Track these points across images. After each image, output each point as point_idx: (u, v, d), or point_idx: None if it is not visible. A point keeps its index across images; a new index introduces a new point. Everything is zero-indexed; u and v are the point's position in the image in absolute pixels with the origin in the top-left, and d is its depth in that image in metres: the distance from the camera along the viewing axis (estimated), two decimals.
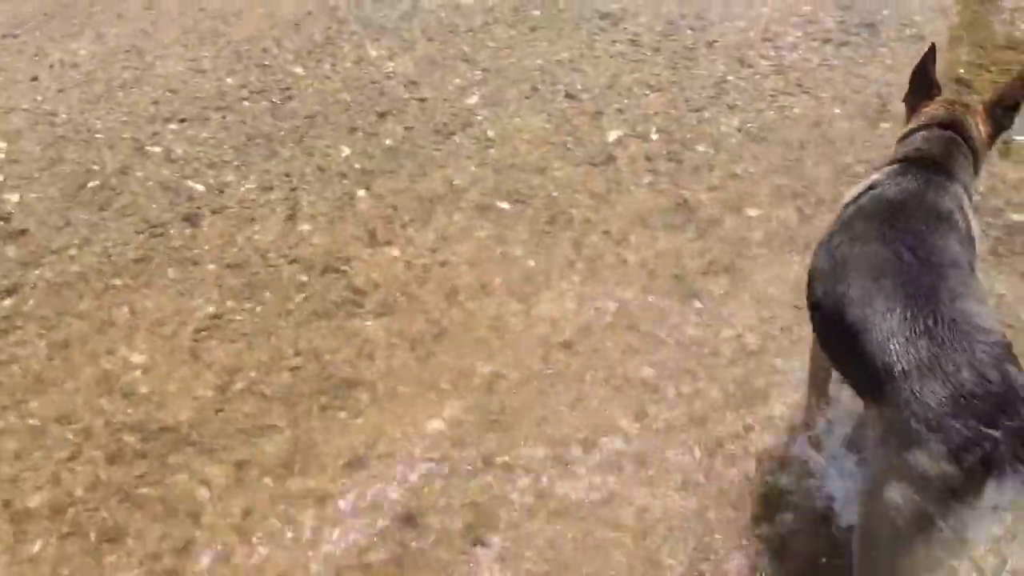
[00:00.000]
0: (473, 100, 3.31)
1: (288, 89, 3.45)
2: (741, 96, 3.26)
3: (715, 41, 3.55)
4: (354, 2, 3.96)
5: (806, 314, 1.80)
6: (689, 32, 3.61)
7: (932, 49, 2.03)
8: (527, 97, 3.31)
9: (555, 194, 2.87)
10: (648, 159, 2.98)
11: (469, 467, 2.08)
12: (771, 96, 3.25)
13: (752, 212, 2.75)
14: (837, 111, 3.16)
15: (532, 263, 2.63)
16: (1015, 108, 1.98)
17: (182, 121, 3.32)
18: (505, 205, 2.84)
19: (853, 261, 1.75)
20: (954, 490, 1.39)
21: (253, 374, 2.34)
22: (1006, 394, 1.40)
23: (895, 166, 1.93)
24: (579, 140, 3.08)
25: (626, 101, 3.25)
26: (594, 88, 3.32)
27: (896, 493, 1.46)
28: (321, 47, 3.69)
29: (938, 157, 1.93)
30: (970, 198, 1.93)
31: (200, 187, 2.99)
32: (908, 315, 1.55)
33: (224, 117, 3.33)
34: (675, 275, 2.56)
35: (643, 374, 2.28)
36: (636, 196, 2.84)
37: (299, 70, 3.57)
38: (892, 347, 1.51)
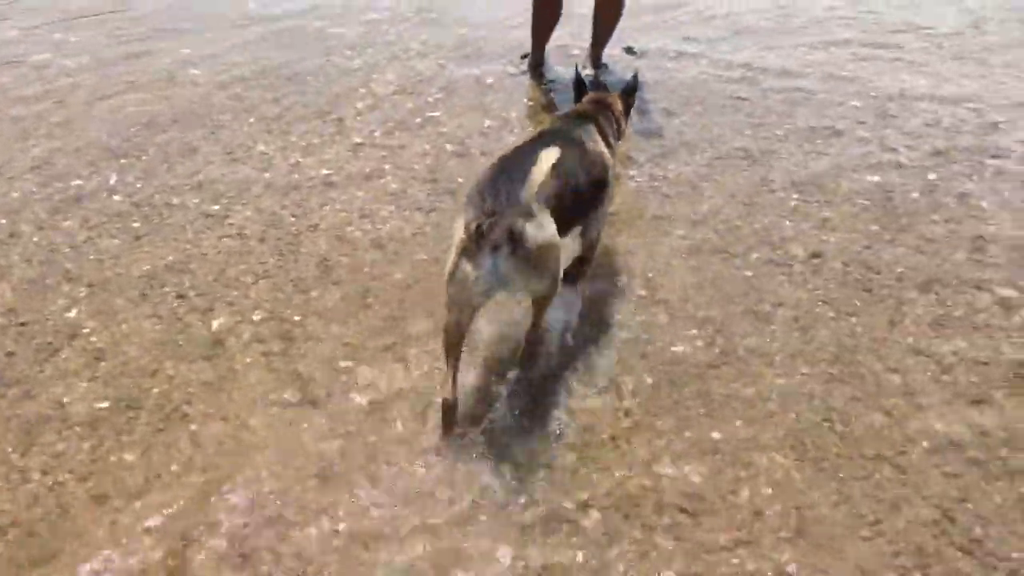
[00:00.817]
0: (79, 316, 3.29)
1: None
2: (344, 270, 3.53)
3: (317, 225, 3.82)
4: None
5: None
6: (292, 219, 3.86)
7: (576, 67, 3.76)
8: (136, 304, 3.34)
9: (170, 393, 2.90)
10: (259, 342, 3.12)
11: None
12: (371, 265, 3.56)
13: (361, 377, 2.96)
14: (432, 270, 3.51)
15: (148, 465, 2.62)
16: (632, 95, 3.57)
17: None
18: (118, 412, 2.82)
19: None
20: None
21: None
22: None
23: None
24: (190, 337, 3.16)
25: (235, 292, 3.39)
26: (202, 285, 3.43)
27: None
28: None
29: (584, 112, 3.35)
30: (612, 139, 3.37)
31: None
32: (500, 165, 2.77)
33: None
34: (294, 448, 2.68)
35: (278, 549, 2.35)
36: (250, 380, 2.95)
37: None
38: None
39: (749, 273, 3.54)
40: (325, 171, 4.24)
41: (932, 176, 4.19)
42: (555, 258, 2.76)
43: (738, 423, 2.81)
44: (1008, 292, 3.41)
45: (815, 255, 3.65)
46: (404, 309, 3.30)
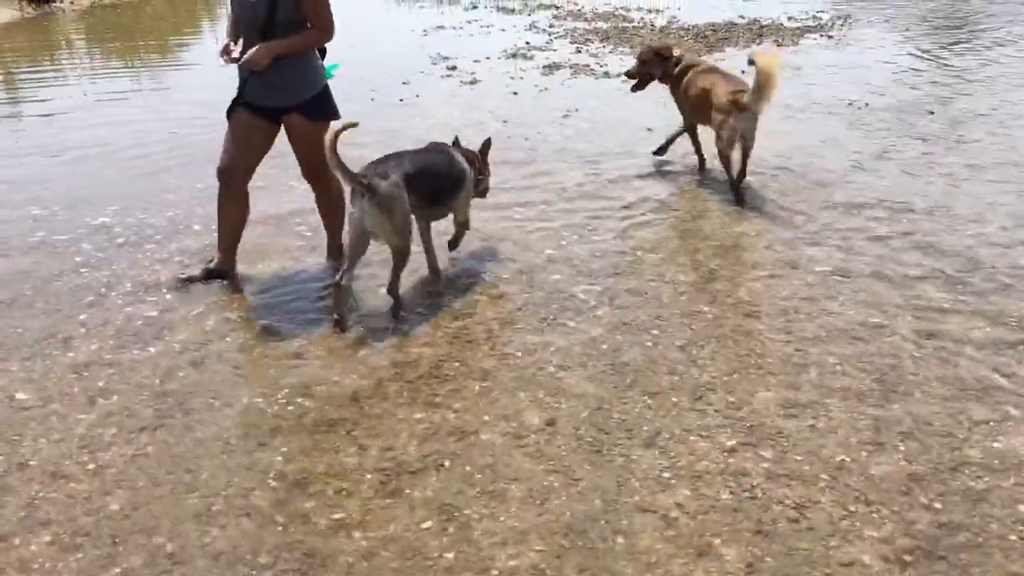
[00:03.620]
0: None
1: None
2: (55, 508, 3.27)
3: (28, 461, 3.54)
4: None
5: None
6: (1, 459, 3.56)
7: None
8: None
9: None
10: None
11: None
12: (85, 499, 3.31)
13: None
14: (155, 498, 3.32)
15: None
16: (486, 152, 5.44)
17: None
18: None
19: None
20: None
21: None
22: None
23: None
24: None
25: None
26: None
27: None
28: None
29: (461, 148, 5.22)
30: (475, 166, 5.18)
31: None
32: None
33: None
34: None
35: None
36: None
37: None
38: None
39: (484, 450, 3.56)
40: (37, 400, 3.97)
41: (655, 331, 4.45)
42: (400, 210, 4.46)
43: None
44: (722, 438, 3.60)
45: (549, 423, 3.73)
46: (117, 547, 3.07)
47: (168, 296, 4.92)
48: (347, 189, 4.52)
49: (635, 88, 6.99)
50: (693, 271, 5.15)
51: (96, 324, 4.62)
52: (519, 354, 4.27)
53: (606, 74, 10.16)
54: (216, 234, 5.13)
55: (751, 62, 5.92)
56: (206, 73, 10.52)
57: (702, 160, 6.82)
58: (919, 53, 11.04)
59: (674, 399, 3.86)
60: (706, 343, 4.32)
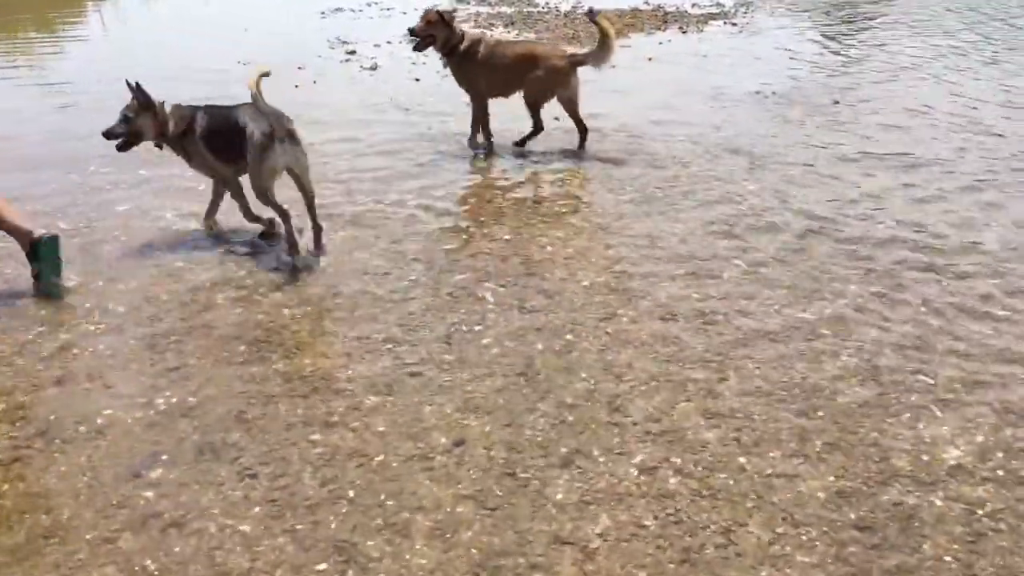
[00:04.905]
0: None
1: None
2: None
3: None
4: None
5: None
6: None
7: None
8: None
9: None
10: None
11: None
12: None
13: None
14: (8, 543, 2.89)
15: None
16: None
17: None
18: None
19: None
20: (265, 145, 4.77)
21: None
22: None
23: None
24: None
25: None
26: None
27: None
28: None
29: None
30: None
31: None
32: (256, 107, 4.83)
33: None
34: None
35: None
36: None
37: None
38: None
39: (387, 475, 3.24)
40: None
41: (569, 336, 4.19)
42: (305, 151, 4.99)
43: None
44: (642, 456, 3.36)
45: (458, 443, 3.43)
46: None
47: (27, 304, 4.43)
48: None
49: (417, 48, 6.98)
50: (606, 270, 4.91)
51: None
52: (424, 365, 3.95)
53: None
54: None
55: (591, 16, 6.87)
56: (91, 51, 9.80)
57: (539, 129, 6.94)
58: (820, 39, 11.11)
59: (591, 412, 3.61)
60: (622, 349, 4.08)
